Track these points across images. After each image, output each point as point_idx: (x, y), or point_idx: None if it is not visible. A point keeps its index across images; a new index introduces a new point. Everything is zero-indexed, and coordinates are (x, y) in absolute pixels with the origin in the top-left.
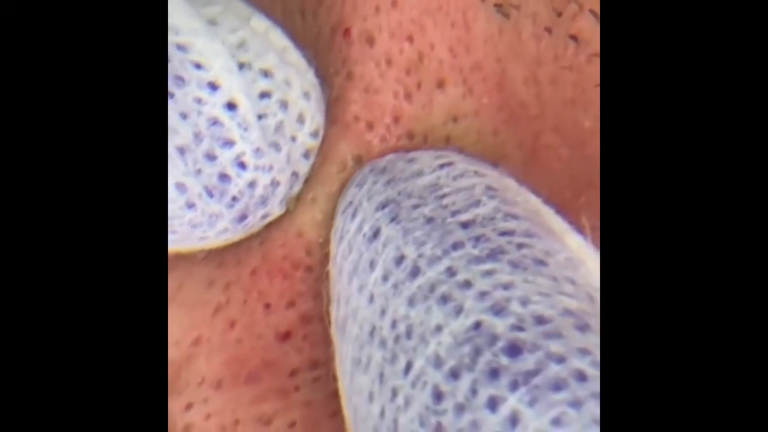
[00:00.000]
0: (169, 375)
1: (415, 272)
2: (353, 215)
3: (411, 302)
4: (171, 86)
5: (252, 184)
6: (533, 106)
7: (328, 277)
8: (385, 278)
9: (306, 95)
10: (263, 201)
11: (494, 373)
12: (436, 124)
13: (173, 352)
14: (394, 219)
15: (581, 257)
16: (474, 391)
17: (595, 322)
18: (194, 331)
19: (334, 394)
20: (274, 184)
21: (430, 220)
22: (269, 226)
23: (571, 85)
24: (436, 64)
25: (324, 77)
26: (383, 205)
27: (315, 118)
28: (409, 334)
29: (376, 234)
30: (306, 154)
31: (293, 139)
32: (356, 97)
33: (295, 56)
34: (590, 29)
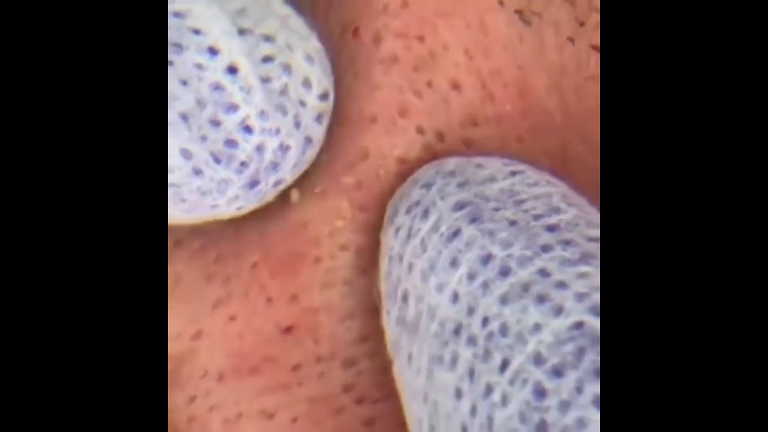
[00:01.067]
0: (171, 369)
1: (505, 271)
2: (425, 214)
3: (504, 300)
4: (170, 54)
5: (260, 148)
6: (558, 115)
7: (365, 270)
8: (471, 277)
9: (309, 59)
10: (274, 166)
11: (599, 372)
12: (453, 125)
13: (174, 346)
14: (475, 220)
15: None
16: (579, 389)
17: None
18: (194, 325)
19: (340, 391)
20: (284, 148)
21: (513, 222)
22: (270, 219)
23: (595, 94)
24: (450, 65)
25: (335, 75)
26: (461, 206)
27: (321, 81)
28: (504, 332)
29: (456, 233)
30: (318, 118)
31: (302, 103)
32: (361, 94)
33: (296, 22)
34: None
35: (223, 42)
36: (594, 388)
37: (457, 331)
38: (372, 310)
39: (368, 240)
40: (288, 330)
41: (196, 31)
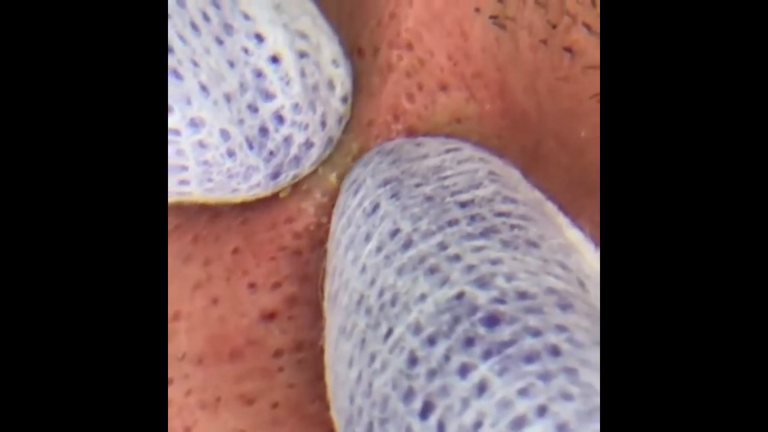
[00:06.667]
0: None
1: (407, 245)
2: (356, 192)
3: (400, 272)
4: (221, 33)
5: (288, 140)
6: (534, 114)
7: (325, 255)
8: (378, 250)
9: (335, 61)
10: (297, 161)
11: (469, 342)
12: (439, 124)
13: None
14: (394, 195)
15: (579, 248)
16: (447, 358)
17: (580, 304)
18: (173, 306)
19: (319, 377)
20: (308, 144)
21: (429, 198)
22: (252, 208)
23: (568, 95)
24: (437, 70)
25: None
26: (386, 182)
27: (344, 84)
28: (393, 302)
29: (375, 209)
30: (339, 121)
31: (327, 103)
32: (361, 102)
33: (323, 23)
34: (584, 41)
35: (270, 31)
36: (461, 358)
37: (359, 302)
38: None
39: None
40: (271, 316)
41: (246, 16)
